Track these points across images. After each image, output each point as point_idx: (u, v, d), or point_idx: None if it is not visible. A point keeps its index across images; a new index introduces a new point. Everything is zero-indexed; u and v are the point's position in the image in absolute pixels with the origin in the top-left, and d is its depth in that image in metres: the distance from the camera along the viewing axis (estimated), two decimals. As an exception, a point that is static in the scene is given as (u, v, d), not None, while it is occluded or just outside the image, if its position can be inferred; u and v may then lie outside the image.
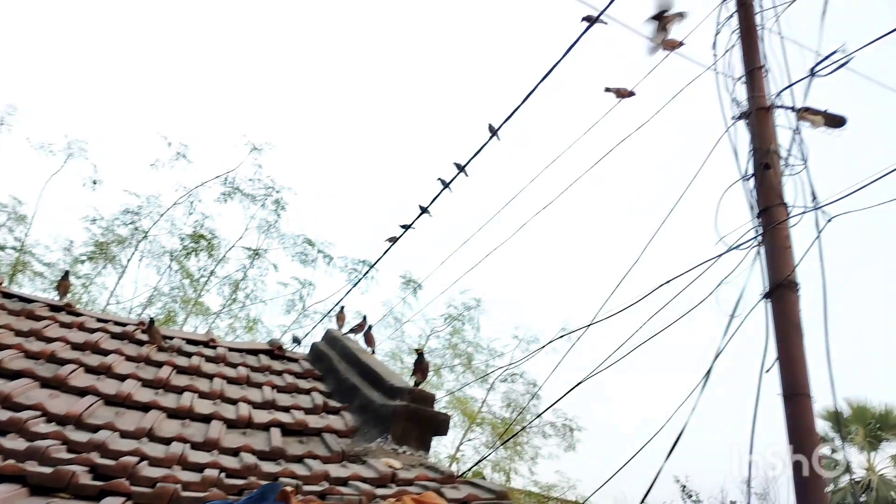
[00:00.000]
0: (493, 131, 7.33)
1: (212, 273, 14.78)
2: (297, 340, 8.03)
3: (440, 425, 4.49)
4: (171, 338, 5.72)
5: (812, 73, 4.62)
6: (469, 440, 17.99)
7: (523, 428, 15.28)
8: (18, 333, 4.71)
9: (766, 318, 4.28)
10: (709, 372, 4.24)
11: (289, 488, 2.67)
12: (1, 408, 3.45)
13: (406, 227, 8.21)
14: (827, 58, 4.53)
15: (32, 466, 2.70)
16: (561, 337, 6.72)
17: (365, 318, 6.74)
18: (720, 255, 4.57)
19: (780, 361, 4.07)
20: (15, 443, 2.99)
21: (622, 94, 6.41)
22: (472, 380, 17.97)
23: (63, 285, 6.43)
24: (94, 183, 13.67)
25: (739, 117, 4.84)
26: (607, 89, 6.47)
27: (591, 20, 5.46)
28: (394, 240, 8.34)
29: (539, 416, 14.82)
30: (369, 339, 6.47)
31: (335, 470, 3.65)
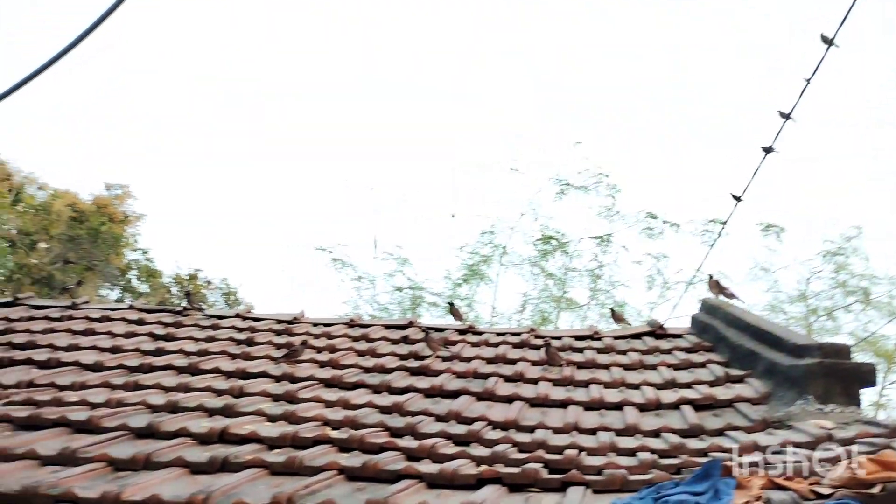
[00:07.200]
0: (829, 41, 6.53)
1: (570, 269, 15.57)
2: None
3: (866, 376, 4.15)
4: (560, 338, 6.21)
5: None
6: (892, 383, 15.80)
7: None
8: (444, 359, 5.59)
9: None
10: None
11: (729, 463, 2.76)
12: (456, 423, 4.16)
13: (767, 150, 7.67)
14: None
15: (502, 469, 3.23)
16: None
17: (710, 275, 6.83)
18: None
19: None
20: (479, 451, 3.59)
21: None
22: (878, 316, 15.76)
23: (455, 312, 7.53)
24: (453, 216, 15.54)
25: None
26: None
27: None
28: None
29: None
30: (725, 292, 6.41)
31: (762, 438, 3.61)
